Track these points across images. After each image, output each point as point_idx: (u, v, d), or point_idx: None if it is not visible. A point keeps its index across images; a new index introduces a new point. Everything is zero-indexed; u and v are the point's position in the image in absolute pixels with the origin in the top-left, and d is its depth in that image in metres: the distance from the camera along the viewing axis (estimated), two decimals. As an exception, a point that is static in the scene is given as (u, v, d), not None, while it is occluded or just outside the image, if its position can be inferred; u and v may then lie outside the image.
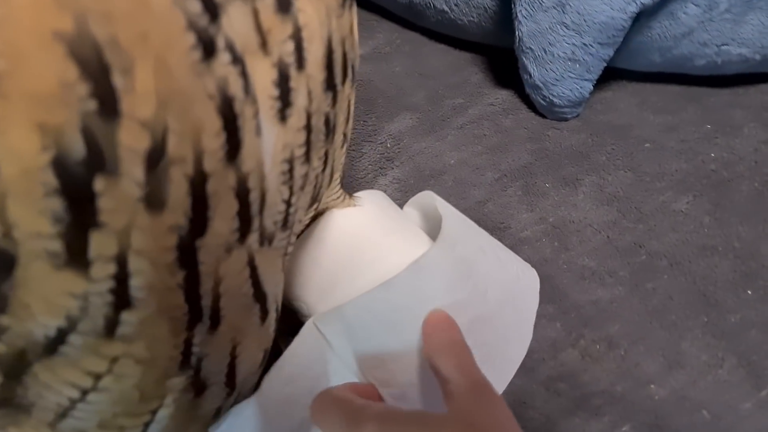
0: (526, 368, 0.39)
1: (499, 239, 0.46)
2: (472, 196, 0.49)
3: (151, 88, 0.17)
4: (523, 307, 0.35)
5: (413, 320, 0.28)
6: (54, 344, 0.19)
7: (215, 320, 0.23)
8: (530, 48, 0.49)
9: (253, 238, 0.23)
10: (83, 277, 0.18)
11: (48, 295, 0.18)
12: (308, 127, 0.25)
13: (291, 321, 0.36)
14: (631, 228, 0.46)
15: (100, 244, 0.18)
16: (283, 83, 0.22)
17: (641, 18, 0.49)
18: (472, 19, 0.56)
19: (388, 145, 0.53)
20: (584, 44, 0.48)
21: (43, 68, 0.15)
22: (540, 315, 0.41)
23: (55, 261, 0.17)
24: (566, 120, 0.54)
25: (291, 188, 0.25)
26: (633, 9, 0.46)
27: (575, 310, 0.42)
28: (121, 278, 0.18)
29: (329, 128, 0.27)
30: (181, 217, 0.19)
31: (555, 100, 0.52)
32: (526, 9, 0.47)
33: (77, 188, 0.17)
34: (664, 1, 0.47)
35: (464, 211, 0.47)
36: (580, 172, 0.50)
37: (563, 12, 0.47)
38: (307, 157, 0.26)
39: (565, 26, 0.47)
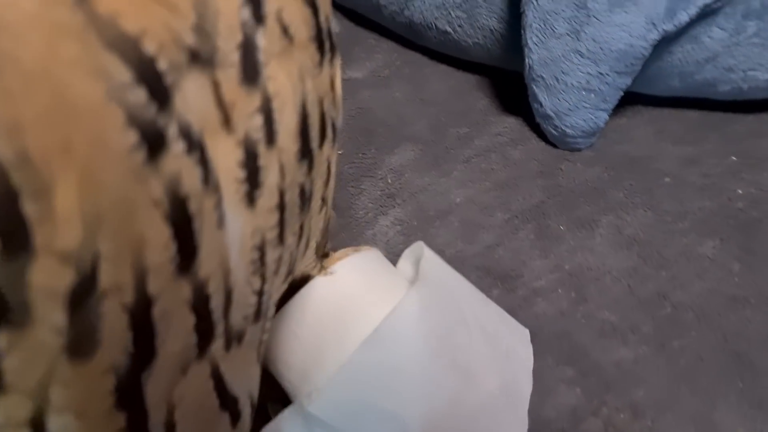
0: (543, 441, 0.35)
1: (512, 289, 0.42)
2: (481, 240, 0.45)
3: (76, 210, 0.13)
4: (515, 393, 0.31)
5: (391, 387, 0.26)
6: None
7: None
8: (541, 76, 0.46)
9: (217, 346, 0.19)
10: None
11: None
12: (281, 206, 0.21)
13: (281, 387, 0.32)
14: (654, 275, 0.42)
15: (7, 411, 0.14)
16: (251, 162, 0.19)
17: (662, 43, 0.45)
18: (477, 41, 0.52)
19: (389, 181, 0.49)
20: (600, 73, 0.44)
21: None
22: (559, 379, 0.38)
23: None
24: (579, 150, 0.50)
25: (263, 276, 0.21)
26: (654, 36, 0.42)
27: (596, 373, 0.38)
28: None
29: (305, 199, 0.23)
30: (120, 356, 0.15)
31: (568, 130, 0.48)
32: (537, 36, 0.44)
33: None
34: (687, 25, 0.44)
35: (473, 257, 0.44)
36: (597, 212, 0.46)
37: (578, 39, 0.43)
38: (281, 237, 0.22)
39: (580, 54, 0.43)
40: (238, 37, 0.17)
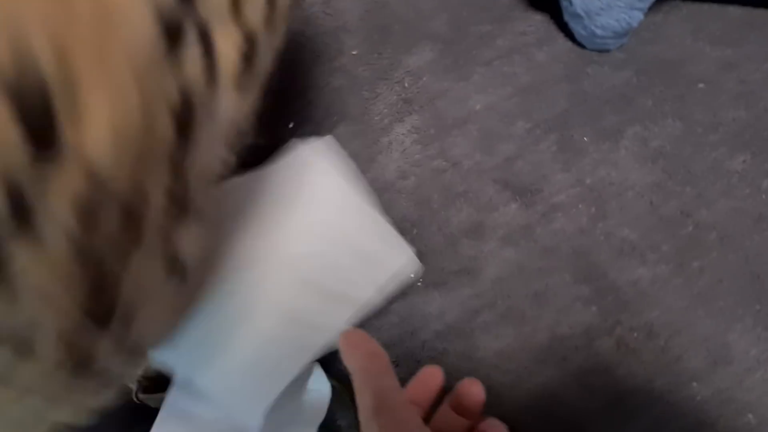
0: (558, 357, 0.36)
1: (531, 204, 0.41)
2: (500, 151, 0.43)
3: (105, 115, 0.14)
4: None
5: None
6: None
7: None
8: (575, -27, 0.42)
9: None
10: None
11: None
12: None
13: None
14: (678, 192, 0.41)
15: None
16: (250, 48, 0.18)
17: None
18: (504, -74, 0.47)
19: (406, 85, 0.46)
20: (641, -29, 0.40)
21: None
22: (576, 297, 0.38)
23: None
24: (608, 51, 0.47)
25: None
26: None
27: (613, 293, 0.38)
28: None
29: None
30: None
31: (598, 31, 0.45)
32: (575, -72, 0.39)
33: None
34: None
35: (491, 169, 0.42)
36: (623, 122, 0.44)
37: (620, -67, 0.39)
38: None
39: (621, -50, 0.39)
40: None
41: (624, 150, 0.43)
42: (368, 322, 0.36)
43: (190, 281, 0.24)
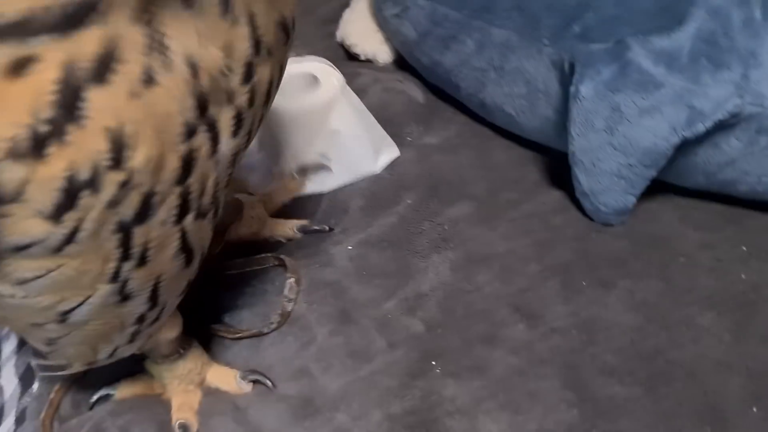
0: (540, 447, 0.44)
1: (534, 326, 0.52)
2: (515, 283, 0.55)
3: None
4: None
5: None
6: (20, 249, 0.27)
7: (141, 262, 0.31)
8: (581, 161, 0.56)
9: (189, 218, 0.32)
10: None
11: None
12: (249, 134, 0.35)
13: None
14: (655, 334, 0.51)
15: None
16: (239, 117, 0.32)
17: (685, 145, 0.54)
18: (535, 125, 0.63)
19: (446, 227, 0.60)
20: (629, 164, 0.54)
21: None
22: (562, 399, 0.47)
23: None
24: (610, 225, 0.59)
25: (229, 176, 0.35)
26: (675, 140, 0.52)
27: (592, 402, 0.47)
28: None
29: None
30: (129, 213, 0.29)
31: (601, 207, 0.58)
32: (579, 128, 0.54)
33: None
34: (707, 134, 0.53)
35: (507, 295, 0.54)
36: (616, 276, 0.55)
37: (612, 134, 0.53)
38: (247, 141, 0.36)
39: (613, 147, 0.54)
40: None
41: (614, 297, 0.54)
42: (396, 391, 0.46)
43: None
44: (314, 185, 0.64)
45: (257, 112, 0.34)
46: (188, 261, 0.35)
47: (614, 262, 0.56)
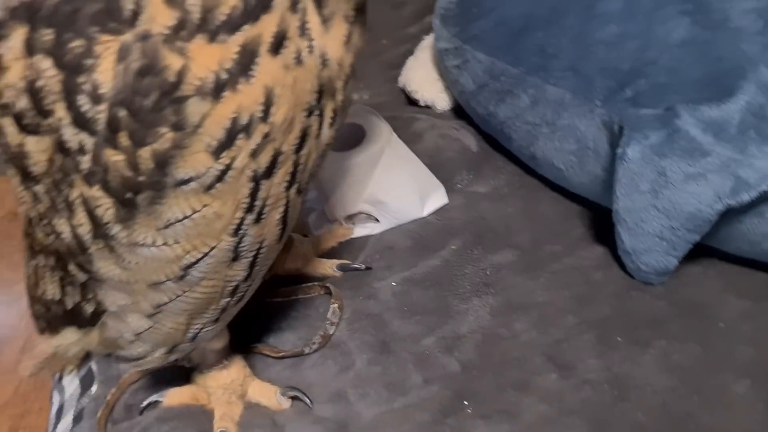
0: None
1: (567, 377, 0.53)
2: (551, 333, 0.56)
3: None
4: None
5: None
6: (181, 184, 0.34)
7: (258, 218, 0.38)
8: (625, 220, 0.58)
9: (292, 190, 0.39)
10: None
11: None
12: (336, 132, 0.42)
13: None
14: (687, 398, 0.51)
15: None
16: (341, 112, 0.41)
17: (730, 213, 0.55)
18: (583, 180, 0.65)
19: (488, 273, 0.62)
20: (672, 227, 0.55)
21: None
22: (586, 452, 0.48)
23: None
24: (652, 285, 0.60)
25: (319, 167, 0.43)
26: (719, 207, 0.53)
27: (618, 456, 0.48)
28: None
29: None
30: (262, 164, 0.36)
31: (642, 267, 0.59)
32: (624, 189, 0.56)
33: None
34: (752, 203, 0.54)
35: (542, 345, 0.55)
36: (653, 336, 0.56)
37: (656, 197, 0.55)
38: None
39: (657, 209, 0.55)
40: None
41: (649, 356, 0.54)
42: (428, 427, 0.48)
43: None
44: (362, 230, 0.67)
45: (342, 117, 0.41)
46: (282, 234, 0.41)
47: (652, 322, 0.57)
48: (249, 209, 0.37)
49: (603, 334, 0.56)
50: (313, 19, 0.35)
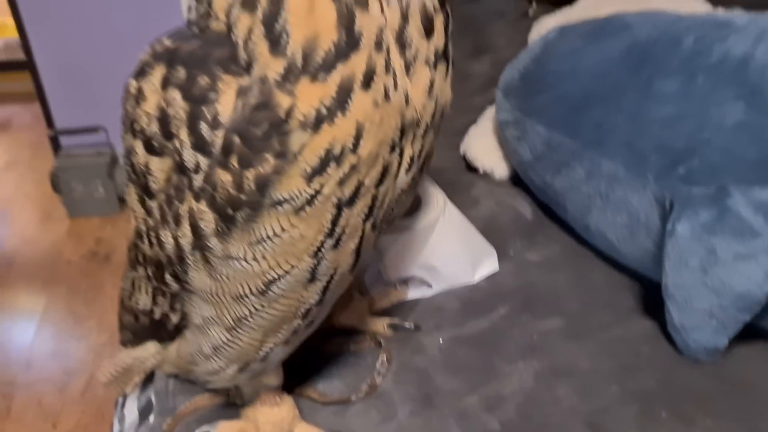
0: None
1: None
2: (592, 402, 0.57)
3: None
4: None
5: None
6: (277, 204, 0.38)
7: (336, 244, 0.41)
8: (674, 295, 0.58)
9: (368, 224, 0.43)
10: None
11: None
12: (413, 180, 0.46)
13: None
14: (732, 479, 0.50)
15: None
16: (417, 161, 0.44)
17: (784, 296, 0.55)
18: (634, 254, 0.66)
19: (534, 338, 0.63)
20: (722, 306, 0.55)
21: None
22: None
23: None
24: (700, 362, 0.60)
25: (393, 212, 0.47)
26: (770, 288, 0.53)
27: None
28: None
29: None
30: (346, 193, 0.40)
31: (691, 343, 0.59)
32: (674, 264, 0.57)
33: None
34: (807, 288, 0.54)
35: (584, 413, 0.56)
36: (698, 413, 0.55)
37: (706, 275, 0.55)
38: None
39: (706, 286, 0.56)
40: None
41: (694, 434, 0.54)
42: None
43: None
44: (414, 293, 0.70)
45: (419, 170, 0.45)
46: (354, 264, 0.45)
47: (698, 399, 0.57)
48: (329, 234, 0.40)
49: (647, 408, 0.56)
50: (396, 59, 0.39)
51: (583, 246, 0.74)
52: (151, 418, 0.65)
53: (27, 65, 2.09)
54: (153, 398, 0.67)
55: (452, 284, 0.70)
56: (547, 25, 1.12)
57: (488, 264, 0.72)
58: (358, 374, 0.61)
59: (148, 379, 0.68)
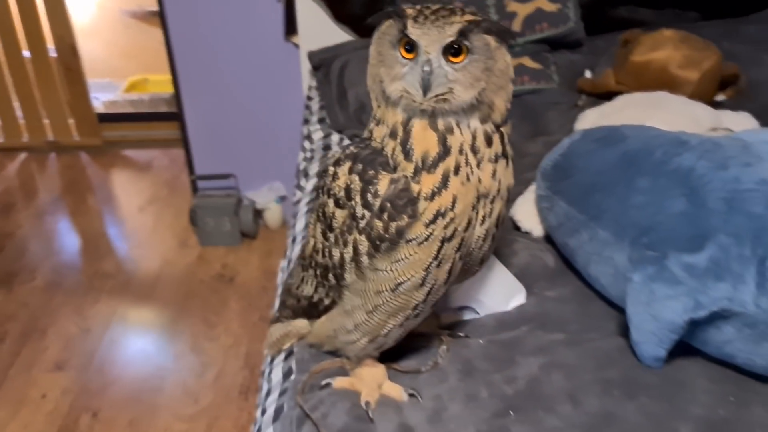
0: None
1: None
2: (573, 384, 0.88)
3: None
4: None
5: None
6: (408, 241, 0.72)
7: (439, 264, 0.73)
8: (632, 320, 0.90)
9: (458, 255, 0.74)
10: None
11: None
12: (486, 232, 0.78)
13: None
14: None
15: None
16: (488, 217, 0.76)
17: (697, 324, 0.86)
18: (617, 294, 0.99)
19: (543, 345, 0.96)
20: (659, 328, 0.87)
21: None
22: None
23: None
24: (650, 366, 0.91)
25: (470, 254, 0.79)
26: (687, 318, 0.84)
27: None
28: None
29: None
30: (448, 233, 0.73)
31: (643, 353, 0.90)
32: (631, 300, 0.89)
33: None
34: (711, 318, 0.84)
35: (566, 390, 0.88)
36: (640, 394, 0.86)
37: (649, 307, 0.87)
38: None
39: (649, 315, 0.87)
40: None
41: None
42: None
43: None
44: (467, 316, 1.05)
45: (492, 225, 0.77)
46: (447, 280, 0.76)
47: (641, 386, 0.87)
48: (435, 258, 0.71)
49: (606, 388, 0.87)
50: (471, 158, 0.70)
51: (587, 287, 1.07)
52: (292, 376, 1.02)
53: (177, 117, 2.54)
54: (293, 366, 1.04)
55: (492, 311, 1.04)
56: (588, 116, 1.46)
57: (519, 298, 1.05)
58: (427, 357, 0.96)
59: (289, 353, 1.05)
